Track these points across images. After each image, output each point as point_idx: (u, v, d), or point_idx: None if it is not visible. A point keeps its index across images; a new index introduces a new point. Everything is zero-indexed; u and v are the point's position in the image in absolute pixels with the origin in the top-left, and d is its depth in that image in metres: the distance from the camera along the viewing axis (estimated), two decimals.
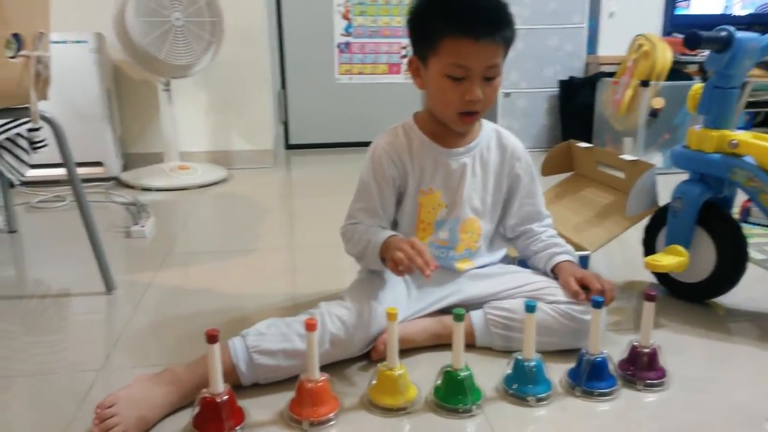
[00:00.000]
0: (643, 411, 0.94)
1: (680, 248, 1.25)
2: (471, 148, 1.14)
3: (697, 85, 1.27)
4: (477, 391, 0.94)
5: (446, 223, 1.15)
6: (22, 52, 1.26)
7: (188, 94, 2.78)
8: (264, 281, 1.50)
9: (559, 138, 3.25)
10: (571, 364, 1.00)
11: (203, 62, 2.49)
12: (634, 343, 1.01)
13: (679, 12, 3.28)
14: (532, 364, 0.95)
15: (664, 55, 2.59)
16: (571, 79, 3.27)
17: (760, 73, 2.82)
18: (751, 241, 1.31)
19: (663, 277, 1.36)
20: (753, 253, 1.51)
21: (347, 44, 3.45)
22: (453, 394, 0.92)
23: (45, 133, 1.77)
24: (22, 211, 2.14)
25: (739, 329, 1.23)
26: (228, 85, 2.84)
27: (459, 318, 0.89)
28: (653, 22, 3.27)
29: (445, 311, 1.12)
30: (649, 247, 1.37)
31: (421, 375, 0.98)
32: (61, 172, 1.39)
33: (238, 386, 0.95)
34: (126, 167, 2.73)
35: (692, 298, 1.32)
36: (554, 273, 1.13)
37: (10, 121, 1.73)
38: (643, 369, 0.99)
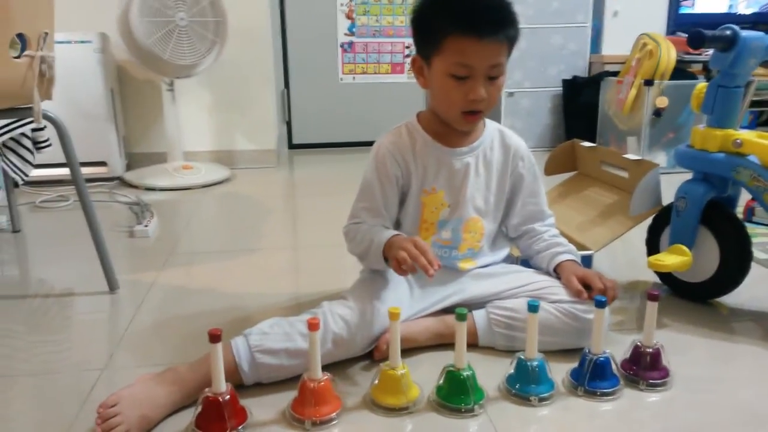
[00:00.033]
0: (646, 411, 0.94)
1: (684, 248, 1.24)
2: (474, 148, 1.14)
3: (701, 84, 1.27)
4: (479, 390, 0.94)
5: (449, 222, 1.15)
6: (27, 52, 1.26)
7: (192, 94, 2.79)
8: (267, 281, 1.50)
9: (562, 137, 3.24)
10: (574, 364, 1.00)
11: (207, 62, 2.49)
12: (637, 343, 1.01)
13: (683, 11, 3.27)
14: (535, 363, 0.95)
15: (668, 54, 2.58)
16: (575, 78, 3.26)
17: (764, 72, 2.81)
18: (755, 240, 1.31)
19: (666, 277, 1.36)
20: (757, 252, 1.50)
21: (351, 44, 3.45)
22: (455, 393, 0.92)
23: (49, 132, 1.78)
24: (26, 211, 2.14)
25: (742, 329, 1.22)
26: (231, 84, 2.85)
27: (461, 317, 0.89)
28: (657, 21, 3.27)
29: (447, 311, 1.12)
30: (653, 247, 1.37)
31: (423, 375, 0.98)
32: (64, 171, 1.40)
33: (240, 386, 0.95)
34: (129, 167, 2.74)
35: (696, 297, 1.31)
36: (556, 272, 1.13)
37: (15, 121, 1.74)
38: (646, 369, 0.99)
